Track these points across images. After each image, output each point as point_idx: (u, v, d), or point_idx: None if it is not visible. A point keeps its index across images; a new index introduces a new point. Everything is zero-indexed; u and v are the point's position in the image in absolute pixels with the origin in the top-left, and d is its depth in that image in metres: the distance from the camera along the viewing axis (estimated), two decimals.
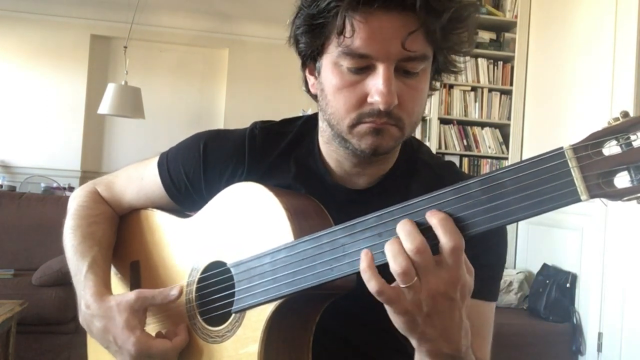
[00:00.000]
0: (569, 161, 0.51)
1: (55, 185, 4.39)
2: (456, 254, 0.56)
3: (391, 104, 0.67)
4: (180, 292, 0.79)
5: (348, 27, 0.66)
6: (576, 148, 0.52)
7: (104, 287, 0.83)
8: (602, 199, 0.51)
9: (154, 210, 0.94)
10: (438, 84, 0.79)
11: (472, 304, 0.77)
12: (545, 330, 2.88)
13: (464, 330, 0.60)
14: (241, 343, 0.73)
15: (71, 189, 4.40)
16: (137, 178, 0.94)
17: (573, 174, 0.51)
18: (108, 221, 0.95)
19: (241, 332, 0.73)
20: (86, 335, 0.91)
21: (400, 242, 0.57)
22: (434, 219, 0.56)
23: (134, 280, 0.92)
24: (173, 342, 0.77)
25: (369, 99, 0.68)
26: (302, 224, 0.70)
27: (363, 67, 0.68)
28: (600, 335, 2.75)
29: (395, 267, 0.56)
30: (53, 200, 3.37)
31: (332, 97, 0.71)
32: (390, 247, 0.57)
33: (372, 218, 0.61)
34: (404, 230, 0.57)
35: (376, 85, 0.67)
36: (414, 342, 0.61)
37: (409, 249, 0.56)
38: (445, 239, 0.55)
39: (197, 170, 0.86)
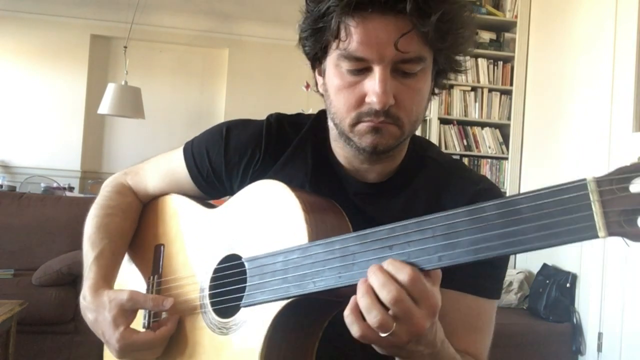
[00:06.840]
0: (590, 194, 0.48)
1: (55, 185, 4.38)
2: (425, 288, 0.56)
3: (386, 103, 0.69)
4: (172, 305, 0.81)
5: (343, 32, 0.69)
6: (600, 181, 0.48)
7: (103, 281, 0.86)
8: (622, 238, 0.48)
9: (182, 196, 0.96)
10: (445, 83, 0.81)
11: (469, 300, 0.78)
12: (545, 330, 2.88)
13: (439, 330, 0.62)
14: (245, 338, 0.73)
15: (71, 188, 4.40)
16: (164, 165, 0.98)
17: (593, 207, 0.48)
18: (124, 213, 0.98)
19: (247, 327, 0.74)
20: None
21: (374, 294, 0.56)
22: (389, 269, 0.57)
23: (155, 263, 0.95)
24: (157, 333, 0.82)
25: (367, 99, 0.71)
26: (319, 228, 0.70)
27: (361, 68, 0.70)
28: (600, 335, 2.75)
29: (371, 320, 0.56)
30: (53, 200, 3.36)
31: (334, 97, 0.75)
32: (363, 300, 0.57)
33: (384, 230, 0.60)
34: (378, 281, 0.56)
35: (372, 86, 0.69)
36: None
37: (385, 299, 0.56)
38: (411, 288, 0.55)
39: (219, 152, 0.89)
